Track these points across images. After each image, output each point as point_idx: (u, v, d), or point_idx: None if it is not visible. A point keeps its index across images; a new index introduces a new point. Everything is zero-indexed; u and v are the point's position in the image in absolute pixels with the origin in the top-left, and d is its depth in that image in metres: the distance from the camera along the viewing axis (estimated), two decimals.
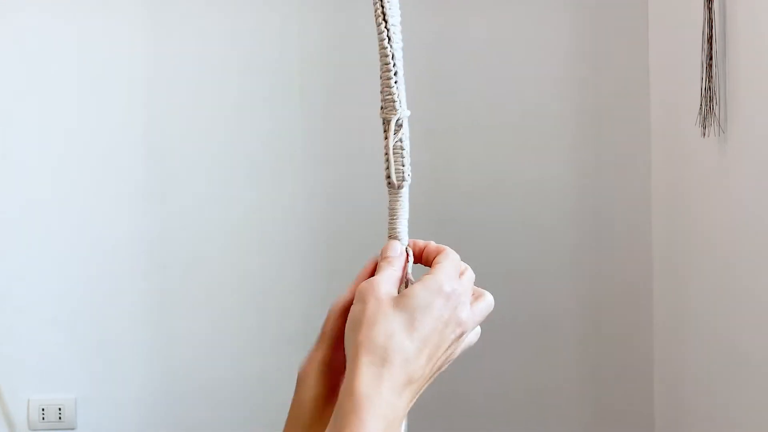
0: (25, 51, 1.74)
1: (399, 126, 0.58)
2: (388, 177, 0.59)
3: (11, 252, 1.76)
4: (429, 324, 0.51)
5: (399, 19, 0.57)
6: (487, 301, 0.56)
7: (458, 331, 0.53)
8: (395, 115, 0.58)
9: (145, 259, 1.79)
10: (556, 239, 1.84)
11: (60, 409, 1.77)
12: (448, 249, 0.57)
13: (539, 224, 1.83)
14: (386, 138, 0.58)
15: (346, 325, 0.53)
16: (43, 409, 1.76)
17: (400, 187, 0.59)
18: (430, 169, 1.81)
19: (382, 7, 0.56)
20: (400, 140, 0.58)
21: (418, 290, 0.52)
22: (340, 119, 1.81)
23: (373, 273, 0.59)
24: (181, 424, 1.79)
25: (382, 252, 0.57)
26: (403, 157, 0.59)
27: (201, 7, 1.78)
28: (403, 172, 0.59)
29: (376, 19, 0.57)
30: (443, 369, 0.54)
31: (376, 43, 0.57)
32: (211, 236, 1.80)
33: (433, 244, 0.59)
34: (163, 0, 1.77)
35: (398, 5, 0.57)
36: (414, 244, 0.59)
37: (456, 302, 0.53)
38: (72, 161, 1.76)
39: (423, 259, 0.59)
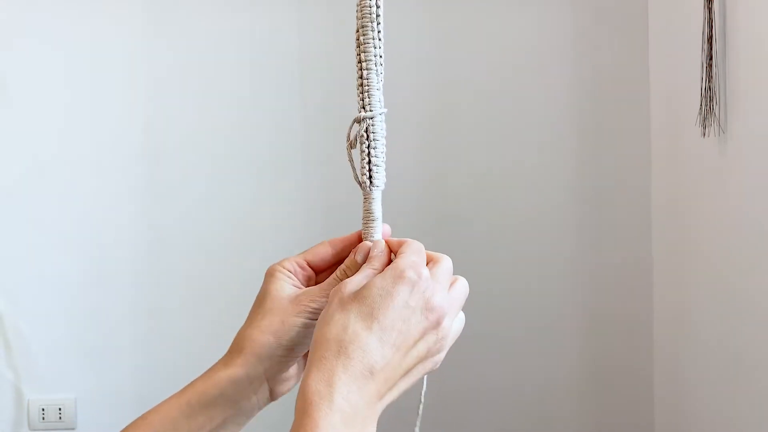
0: (22, 50, 1.74)
1: (358, 124, 0.59)
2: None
3: (11, 253, 1.75)
4: (391, 312, 0.49)
5: (373, 26, 0.59)
6: (461, 283, 0.54)
7: (432, 317, 0.51)
8: (357, 115, 0.60)
9: (145, 260, 1.79)
10: (556, 239, 1.84)
11: (60, 409, 1.77)
12: (409, 240, 0.55)
13: (539, 224, 1.83)
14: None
15: None
16: (43, 409, 1.76)
17: (363, 189, 0.60)
18: (430, 168, 1.81)
19: (358, 17, 0.58)
20: (364, 142, 0.59)
21: (377, 280, 0.51)
22: (341, 119, 1.81)
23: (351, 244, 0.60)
24: None
25: (354, 253, 0.57)
26: (364, 159, 0.59)
27: (201, 6, 1.78)
28: (368, 176, 0.59)
29: (356, 29, 0.59)
30: (437, 358, 0.52)
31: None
32: (210, 237, 1.80)
33: (394, 239, 0.58)
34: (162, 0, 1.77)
35: (376, 15, 0.59)
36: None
37: (424, 287, 0.51)
38: (71, 162, 1.76)
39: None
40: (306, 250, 0.62)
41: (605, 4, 1.82)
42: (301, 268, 0.61)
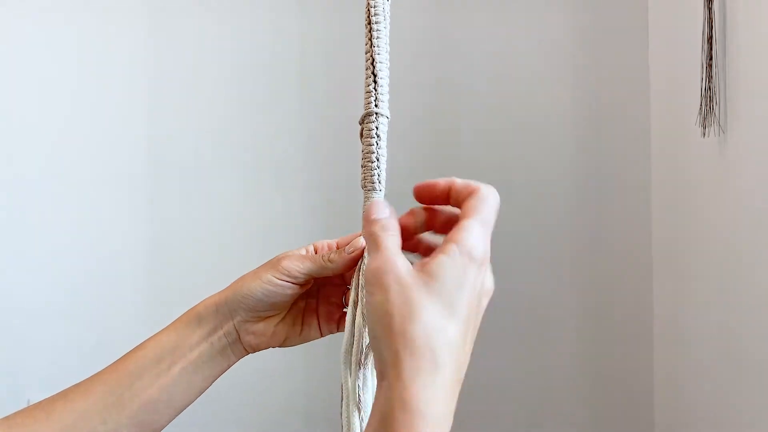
0: (24, 51, 1.74)
1: (364, 122, 0.57)
2: None
3: (11, 253, 1.75)
4: (465, 303, 0.44)
5: (385, 24, 0.57)
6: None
7: (485, 301, 0.47)
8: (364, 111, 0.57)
9: (145, 260, 1.79)
10: (555, 239, 1.84)
11: None
12: (482, 191, 0.49)
13: (539, 224, 1.83)
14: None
15: (369, 319, 0.45)
16: None
17: (369, 190, 0.58)
18: (428, 169, 1.81)
19: (369, 13, 0.57)
20: (369, 144, 0.57)
21: (447, 265, 0.43)
22: (341, 119, 1.81)
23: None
24: (180, 424, 1.79)
25: (365, 215, 0.49)
26: (371, 162, 0.57)
27: (201, 7, 1.78)
28: (371, 176, 0.57)
29: (365, 24, 0.57)
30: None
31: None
32: (211, 237, 1.80)
33: (459, 182, 0.51)
34: (163, 0, 1.77)
35: (387, 12, 0.57)
36: (433, 186, 0.53)
37: (485, 268, 0.45)
38: (72, 162, 1.76)
39: (452, 201, 0.52)
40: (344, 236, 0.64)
41: (605, 5, 1.82)
42: (328, 247, 0.63)
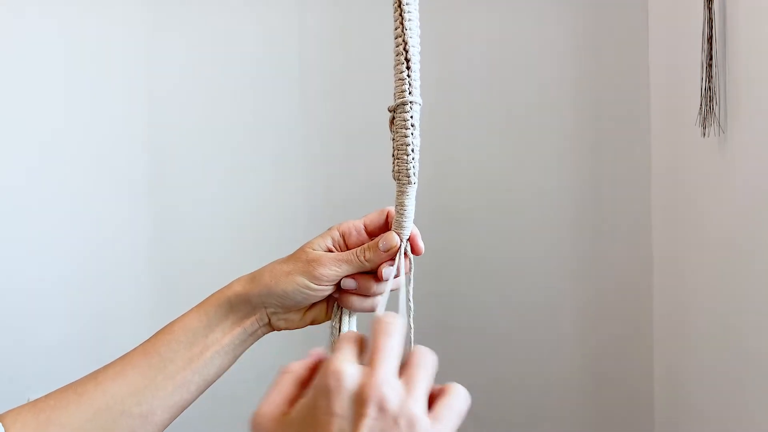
0: (21, 49, 1.74)
1: (397, 111, 0.53)
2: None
3: (10, 252, 1.75)
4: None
5: (415, 6, 0.53)
6: (457, 392, 0.43)
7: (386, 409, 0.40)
8: (396, 101, 0.53)
9: (145, 259, 1.79)
10: (555, 239, 1.84)
11: None
12: (344, 337, 0.45)
13: (538, 224, 1.83)
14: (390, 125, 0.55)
15: None
16: None
17: (403, 182, 0.55)
18: (429, 168, 1.81)
19: None
20: (404, 135, 0.54)
21: (295, 412, 0.42)
22: (341, 119, 1.82)
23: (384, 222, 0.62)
24: (180, 423, 1.79)
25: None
26: (407, 154, 0.55)
27: (200, 6, 1.78)
28: (406, 169, 0.54)
29: (394, 8, 0.53)
30: None
31: (391, 36, 0.54)
32: (210, 236, 1.80)
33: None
34: None
35: None
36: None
37: (349, 387, 0.40)
38: (71, 161, 1.76)
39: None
40: (367, 215, 0.64)
41: (605, 5, 1.82)
42: (357, 231, 0.63)
